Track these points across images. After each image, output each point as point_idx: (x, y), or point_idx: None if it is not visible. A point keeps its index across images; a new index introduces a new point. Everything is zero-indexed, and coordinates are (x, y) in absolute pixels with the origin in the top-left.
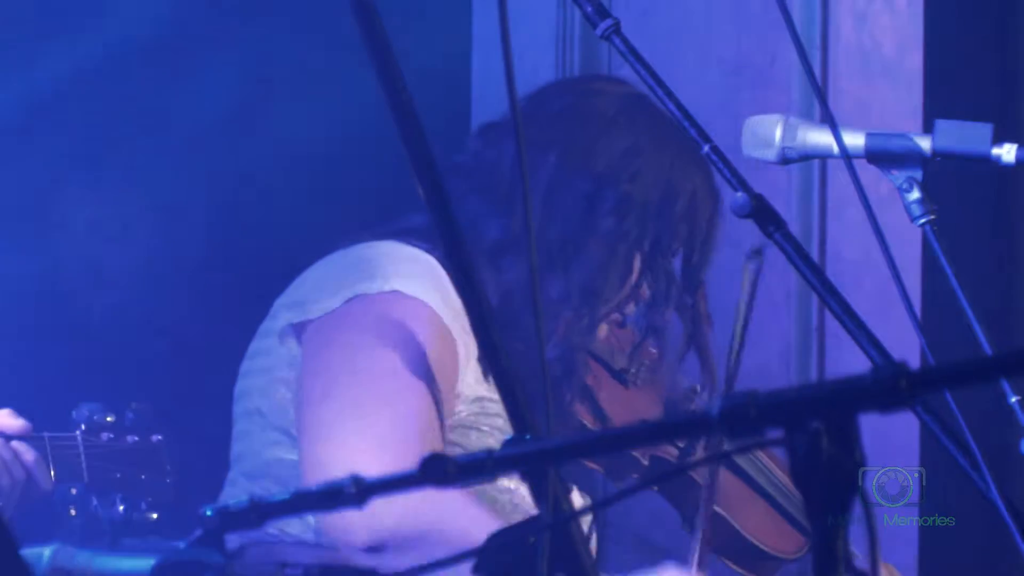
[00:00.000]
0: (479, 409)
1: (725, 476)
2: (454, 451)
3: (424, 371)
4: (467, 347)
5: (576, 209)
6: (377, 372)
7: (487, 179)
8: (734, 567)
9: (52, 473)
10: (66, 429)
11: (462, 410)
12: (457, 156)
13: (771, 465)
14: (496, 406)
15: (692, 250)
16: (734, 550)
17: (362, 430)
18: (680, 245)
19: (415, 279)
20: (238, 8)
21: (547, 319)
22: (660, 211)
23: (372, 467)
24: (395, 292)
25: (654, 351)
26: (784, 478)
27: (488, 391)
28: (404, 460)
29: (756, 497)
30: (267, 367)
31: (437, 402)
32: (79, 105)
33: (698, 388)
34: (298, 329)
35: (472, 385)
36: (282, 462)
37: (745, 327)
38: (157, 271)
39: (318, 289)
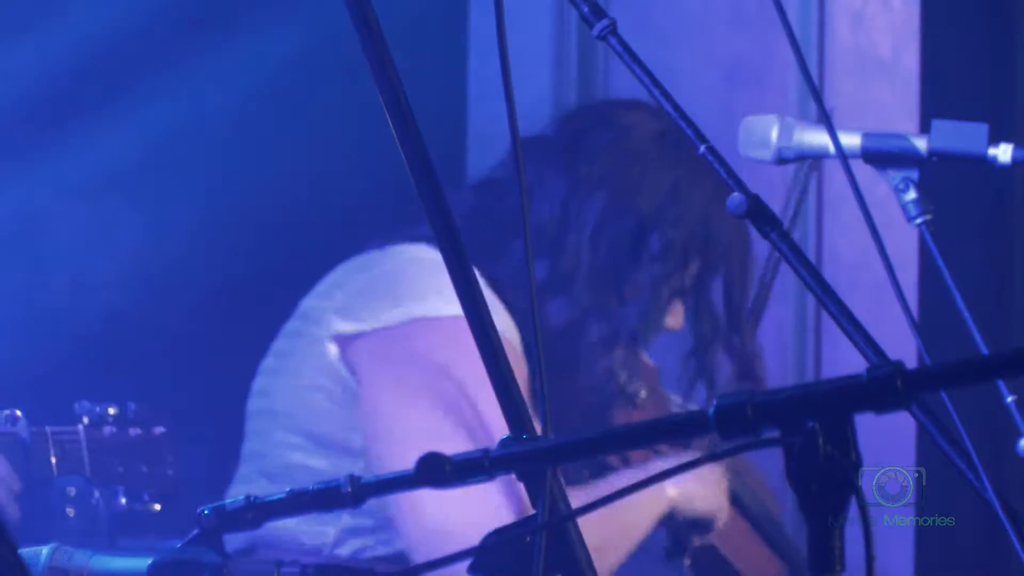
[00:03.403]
0: None
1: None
2: None
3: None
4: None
5: (623, 250)
6: (453, 395)
7: (535, 221)
8: None
9: (54, 465)
10: (69, 423)
11: None
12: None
13: (759, 491)
14: None
15: (731, 288)
16: None
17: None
18: (714, 280)
19: None
20: (229, 9)
21: (590, 361)
22: (701, 252)
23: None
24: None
25: (652, 367)
26: (771, 503)
27: None
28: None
29: (746, 525)
30: (295, 370)
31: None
32: (66, 111)
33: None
34: (344, 340)
35: None
36: (306, 468)
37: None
38: (146, 273)
39: (367, 299)
